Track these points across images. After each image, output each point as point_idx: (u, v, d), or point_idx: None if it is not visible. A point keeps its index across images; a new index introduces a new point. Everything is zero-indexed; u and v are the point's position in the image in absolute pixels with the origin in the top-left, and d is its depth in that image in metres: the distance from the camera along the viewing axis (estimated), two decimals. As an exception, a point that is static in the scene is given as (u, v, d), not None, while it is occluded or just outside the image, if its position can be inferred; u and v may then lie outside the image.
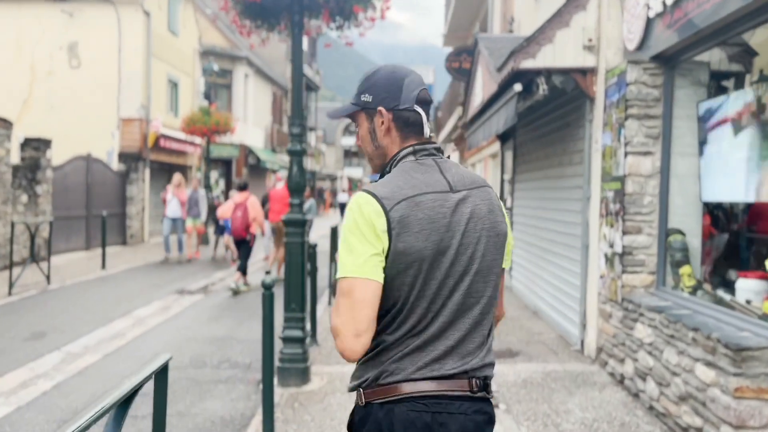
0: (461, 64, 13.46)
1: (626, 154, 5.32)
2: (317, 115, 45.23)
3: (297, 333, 5.37)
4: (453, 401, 1.60)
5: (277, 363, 5.27)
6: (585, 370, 5.77)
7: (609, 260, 5.65)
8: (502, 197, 11.82)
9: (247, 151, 27.66)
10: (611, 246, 5.59)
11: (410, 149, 1.71)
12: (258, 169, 28.07)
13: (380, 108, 1.72)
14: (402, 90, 1.71)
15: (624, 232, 5.34)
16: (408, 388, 1.58)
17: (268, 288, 4.12)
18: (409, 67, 1.79)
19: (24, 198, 12.57)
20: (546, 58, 6.18)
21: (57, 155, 14.93)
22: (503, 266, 1.75)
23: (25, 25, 18.00)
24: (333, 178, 58.91)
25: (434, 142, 1.75)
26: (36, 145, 12.96)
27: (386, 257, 1.57)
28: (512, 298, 9.67)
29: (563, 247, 7.25)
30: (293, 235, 5.38)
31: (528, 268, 9.12)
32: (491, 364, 1.69)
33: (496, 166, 13.22)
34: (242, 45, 29.62)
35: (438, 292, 1.60)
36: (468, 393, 1.61)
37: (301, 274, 5.39)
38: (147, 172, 18.39)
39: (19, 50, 18.05)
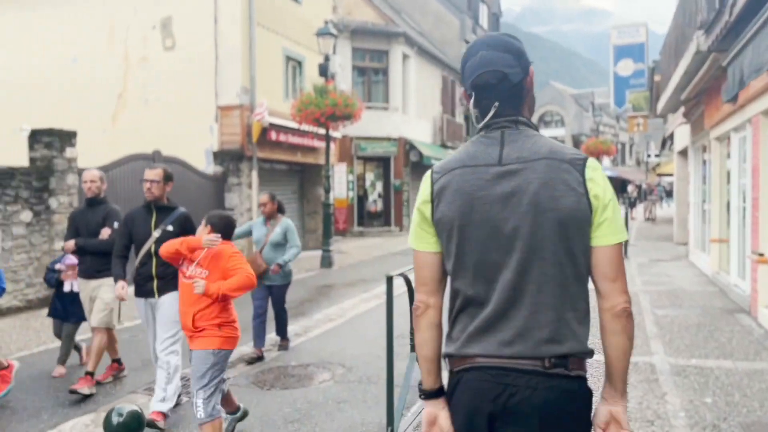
0: None
1: None
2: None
3: None
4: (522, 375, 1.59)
5: None
6: None
7: None
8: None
9: (407, 146, 22.92)
10: None
11: (485, 123, 1.69)
12: (421, 168, 23.12)
13: None
14: None
15: None
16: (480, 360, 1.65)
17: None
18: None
19: (26, 216, 8.84)
20: None
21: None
22: (598, 243, 1.59)
23: (116, 6, 14.94)
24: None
25: (511, 115, 1.68)
26: (48, 141, 9.16)
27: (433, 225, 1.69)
28: None
29: None
30: None
31: None
32: (570, 352, 1.58)
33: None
34: (400, 20, 25.07)
35: (481, 265, 1.61)
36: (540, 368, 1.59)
37: None
38: (254, 175, 14.27)
39: (111, 37, 15.00)
